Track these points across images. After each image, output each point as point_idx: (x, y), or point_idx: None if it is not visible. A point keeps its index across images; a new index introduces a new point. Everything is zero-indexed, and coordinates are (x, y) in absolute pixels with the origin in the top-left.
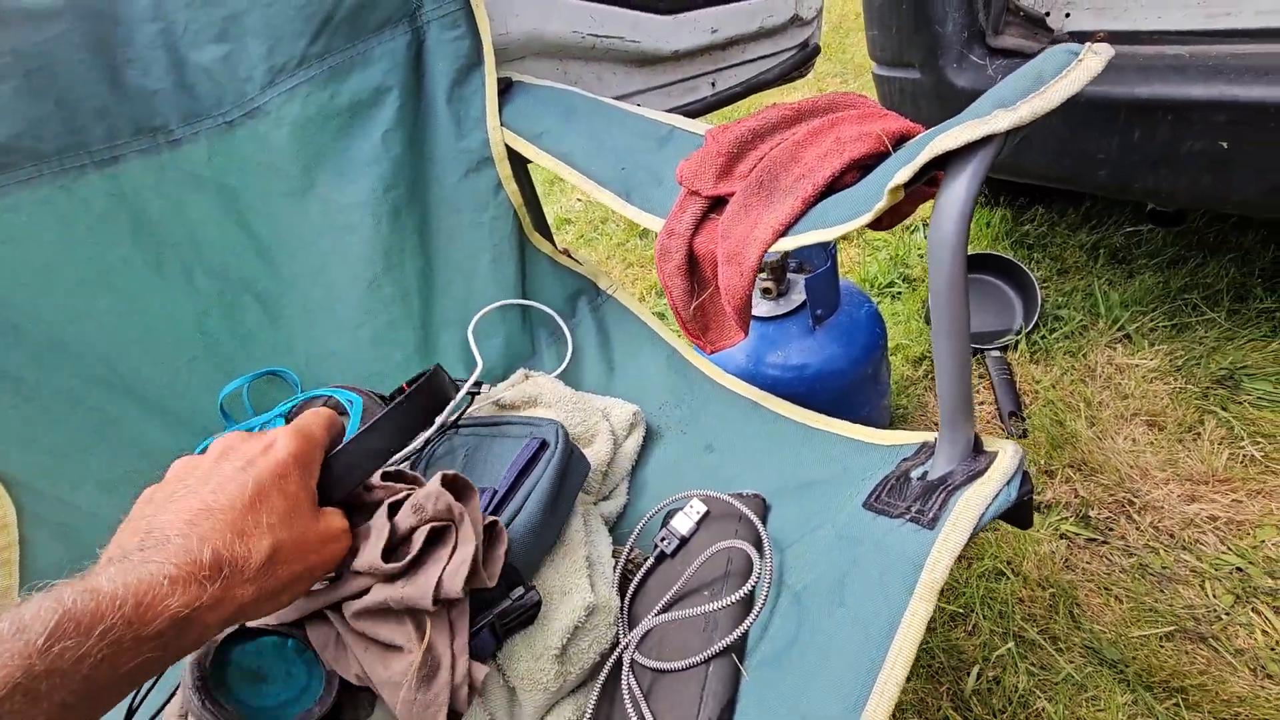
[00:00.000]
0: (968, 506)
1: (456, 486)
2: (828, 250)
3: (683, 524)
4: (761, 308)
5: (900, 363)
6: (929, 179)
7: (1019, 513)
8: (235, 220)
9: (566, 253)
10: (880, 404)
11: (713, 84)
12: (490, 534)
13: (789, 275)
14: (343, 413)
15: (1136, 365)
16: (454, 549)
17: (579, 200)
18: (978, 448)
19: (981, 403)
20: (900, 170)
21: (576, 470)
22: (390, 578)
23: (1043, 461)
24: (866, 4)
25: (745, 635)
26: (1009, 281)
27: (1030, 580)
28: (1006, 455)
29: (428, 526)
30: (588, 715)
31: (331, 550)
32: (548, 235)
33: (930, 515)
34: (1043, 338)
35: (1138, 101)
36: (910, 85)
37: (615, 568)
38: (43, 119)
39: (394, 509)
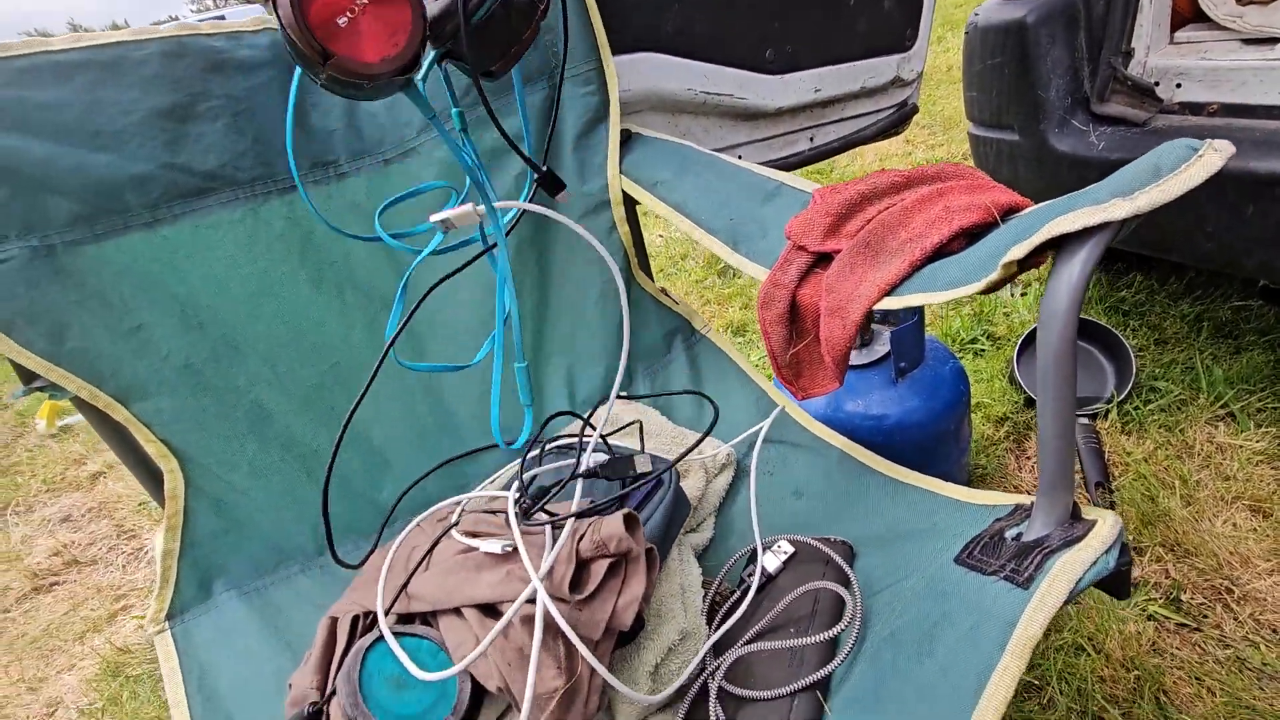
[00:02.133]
0: (1065, 569)
1: (628, 520)
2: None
3: (770, 562)
4: None
5: (981, 421)
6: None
7: (1116, 582)
8: (382, 246)
9: (664, 292)
10: (960, 461)
11: (811, 139)
12: (648, 558)
13: (874, 326)
14: None
15: (1240, 446)
16: (624, 581)
17: (660, 235)
18: (1075, 515)
19: None
20: (1016, 247)
21: (681, 510)
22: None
23: (1131, 537)
24: (966, 66)
25: (830, 675)
26: (1102, 348)
27: (1113, 660)
28: (1106, 524)
29: (607, 561)
30: None
31: None
32: (650, 276)
33: (1026, 575)
34: (1136, 408)
35: (1252, 176)
36: (1008, 147)
37: (705, 598)
38: (243, 152)
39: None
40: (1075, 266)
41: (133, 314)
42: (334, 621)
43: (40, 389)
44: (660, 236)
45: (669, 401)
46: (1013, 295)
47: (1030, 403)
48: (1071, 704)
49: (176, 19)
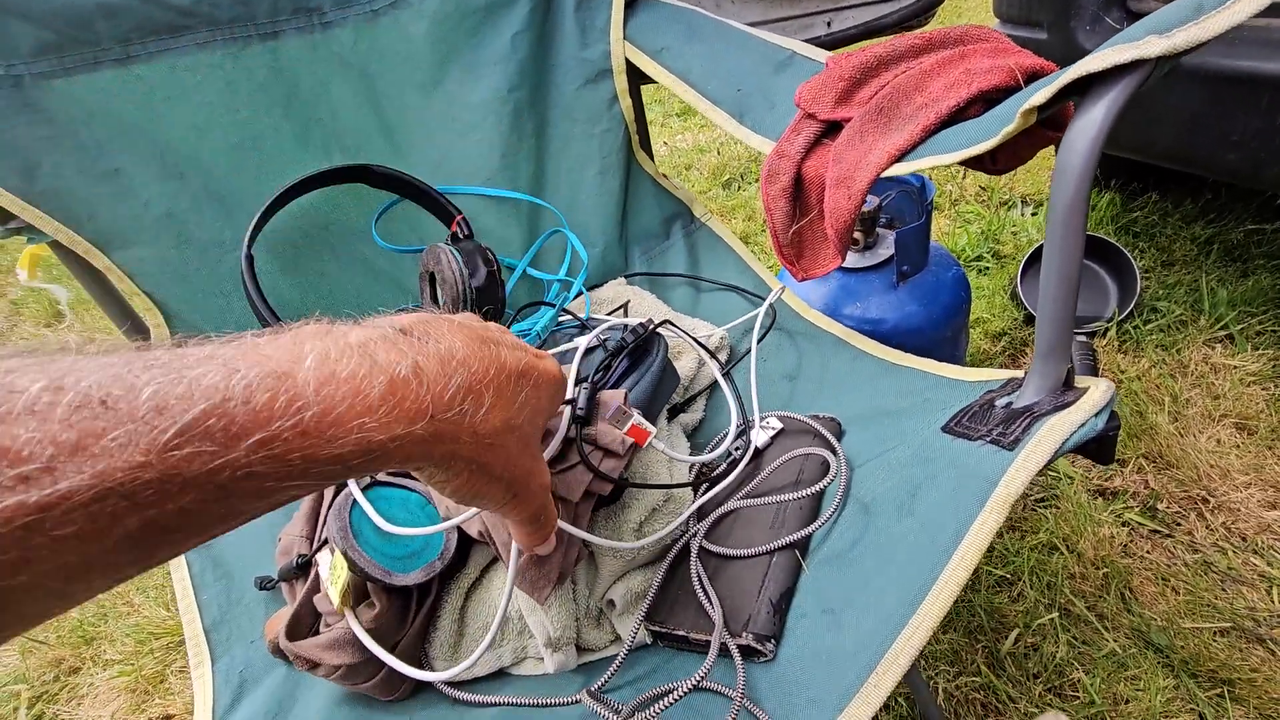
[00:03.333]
0: (1052, 430)
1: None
2: (922, 206)
3: (758, 437)
4: (847, 258)
5: (979, 336)
6: (1054, 123)
7: (1102, 447)
8: (371, 105)
9: (664, 176)
10: None
11: (829, 23)
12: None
13: (879, 230)
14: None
15: (1235, 367)
16: (605, 453)
17: (665, 144)
18: (1069, 383)
19: None
20: (1038, 92)
21: (669, 381)
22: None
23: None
24: None
25: (810, 537)
26: (1108, 268)
27: (1085, 559)
28: (1098, 389)
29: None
30: (655, 587)
31: (539, 495)
32: (651, 157)
33: (1012, 438)
34: (1135, 328)
35: None
36: (1034, 46)
37: (691, 469)
38: None
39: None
40: (1099, 109)
41: (108, 157)
42: None
43: (18, 231)
44: (665, 145)
45: (664, 287)
46: (1023, 214)
47: (1030, 320)
48: (1040, 597)
49: None
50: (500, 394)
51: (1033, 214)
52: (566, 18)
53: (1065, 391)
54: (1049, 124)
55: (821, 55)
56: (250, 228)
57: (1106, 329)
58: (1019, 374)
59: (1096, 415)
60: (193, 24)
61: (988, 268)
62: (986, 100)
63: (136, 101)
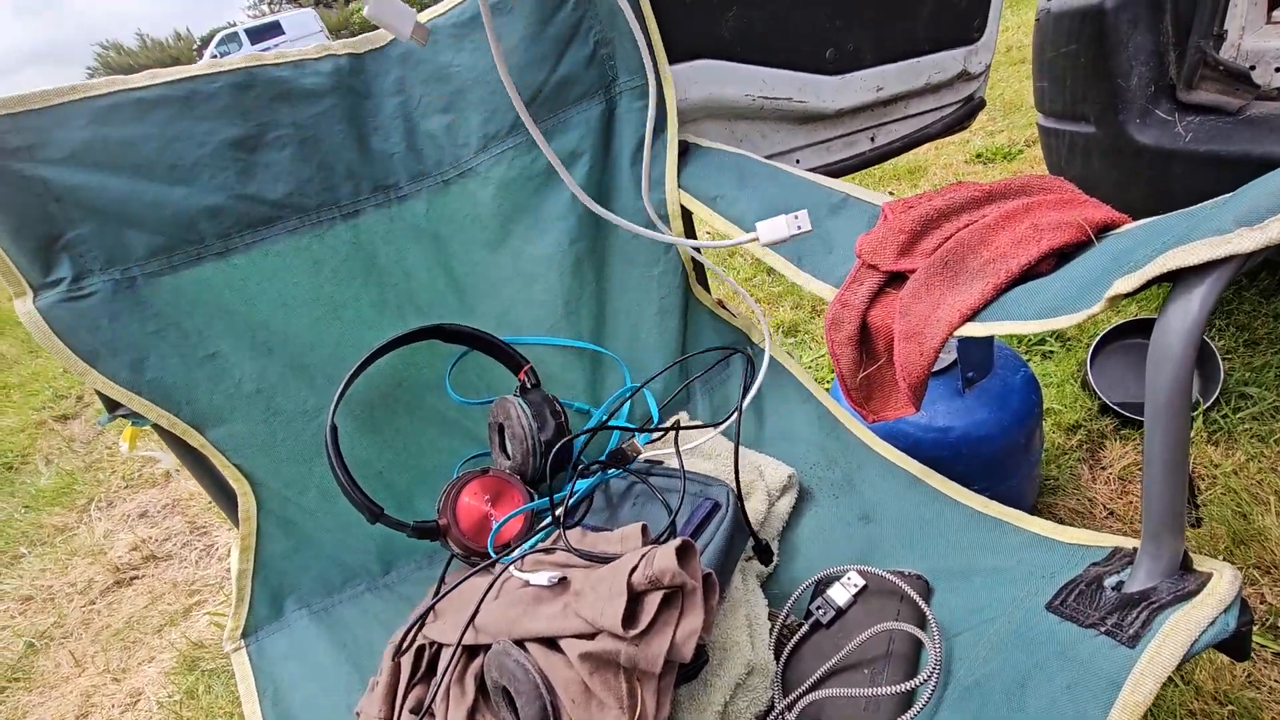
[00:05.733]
0: (1178, 629)
1: (682, 549)
2: None
3: (840, 595)
4: None
5: (1051, 429)
6: None
7: (1236, 644)
8: (442, 266)
9: (721, 304)
10: (1030, 474)
11: (872, 139)
12: (706, 586)
13: None
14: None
15: None
16: (681, 613)
17: (707, 233)
18: (1185, 564)
19: None
20: (1124, 279)
21: (741, 533)
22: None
23: (1221, 558)
24: (1036, 53)
25: None
26: None
27: (1204, 692)
28: (1224, 579)
29: (661, 593)
30: None
31: None
32: (707, 289)
33: (1130, 632)
34: (1224, 416)
35: None
36: (1082, 139)
37: (771, 630)
38: (308, 179)
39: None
40: (1193, 304)
41: (207, 342)
42: (399, 651)
43: (123, 416)
44: (708, 234)
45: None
46: None
47: (1105, 409)
48: None
49: (234, 24)
50: None
51: None
52: (623, 171)
53: (1184, 576)
54: None
55: (875, 197)
56: (335, 399)
57: (1193, 419)
58: (1125, 544)
59: (1225, 611)
60: (284, 214)
61: (1052, 351)
62: (1058, 255)
63: (233, 287)
